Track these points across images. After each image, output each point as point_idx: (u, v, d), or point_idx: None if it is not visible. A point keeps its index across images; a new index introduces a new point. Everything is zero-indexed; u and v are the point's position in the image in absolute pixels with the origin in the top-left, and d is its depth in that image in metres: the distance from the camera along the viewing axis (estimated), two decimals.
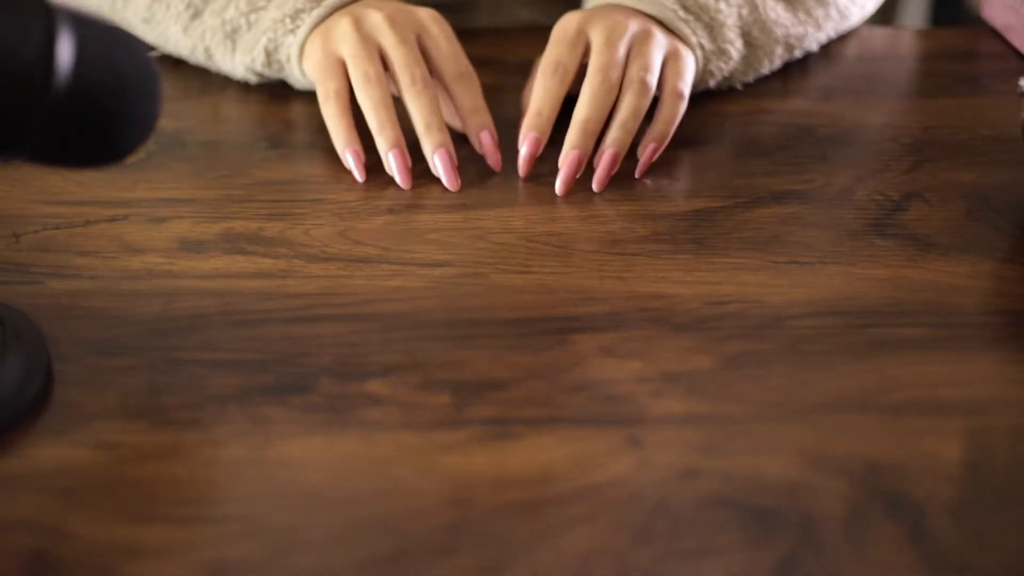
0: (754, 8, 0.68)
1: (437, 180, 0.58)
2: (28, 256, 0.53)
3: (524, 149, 0.57)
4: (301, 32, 0.62)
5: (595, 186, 0.57)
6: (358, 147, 0.57)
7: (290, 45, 0.62)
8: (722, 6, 0.65)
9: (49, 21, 0.37)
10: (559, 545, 0.37)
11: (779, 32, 0.69)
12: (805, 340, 0.47)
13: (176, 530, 0.38)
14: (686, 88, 0.60)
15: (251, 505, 0.39)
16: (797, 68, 0.74)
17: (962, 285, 0.51)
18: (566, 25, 0.61)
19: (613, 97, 0.58)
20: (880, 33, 0.84)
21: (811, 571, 0.37)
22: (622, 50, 0.59)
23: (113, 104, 0.39)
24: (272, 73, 0.66)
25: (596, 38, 0.59)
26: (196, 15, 0.66)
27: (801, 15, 0.71)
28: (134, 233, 0.55)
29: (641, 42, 0.60)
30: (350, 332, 0.48)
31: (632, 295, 0.50)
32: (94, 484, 0.40)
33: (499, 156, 0.58)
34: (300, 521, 0.38)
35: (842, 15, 0.74)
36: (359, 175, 0.57)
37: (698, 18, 0.64)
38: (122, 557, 0.37)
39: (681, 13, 0.64)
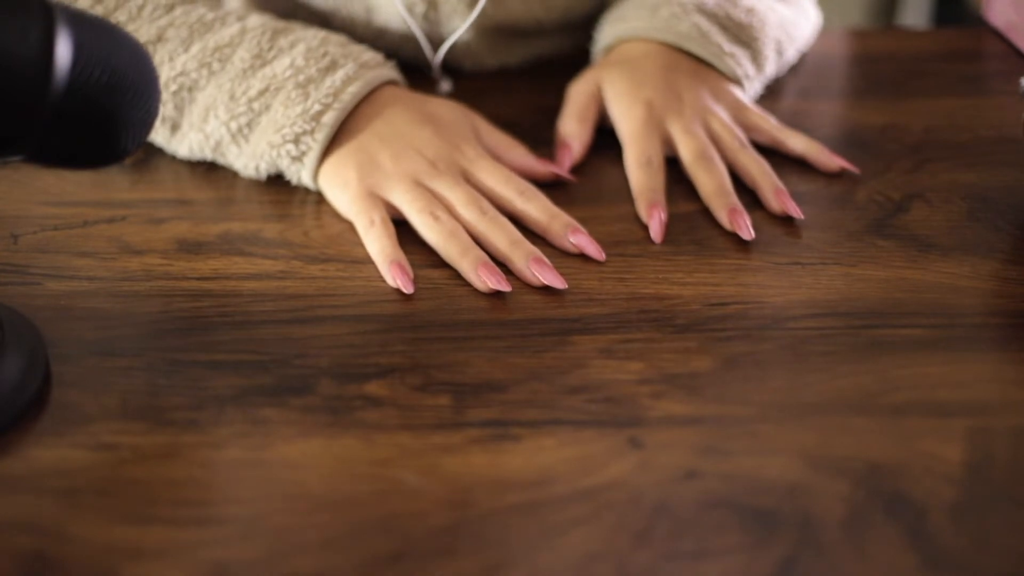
0: (774, 10, 0.68)
1: None
2: (26, 257, 0.53)
3: (654, 220, 0.55)
4: (310, 161, 0.57)
5: (796, 214, 0.56)
6: (405, 262, 0.52)
7: (298, 172, 0.57)
8: (755, 21, 0.66)
9: (48, 21, 0.37)
10: (559, 546, 0.37)
11: (795, 32, 0.70)
12: (806, 341, 0.47)
13: (175, 531, 0.38)
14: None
15: (250, 506, 0.39)
16: (798, 69, 0.74)
17: (963, 286, 0.51)
18: (634, 114, 0.61)
19: (724, 164, 0.59)
20: (881, 33, 0.84)
21: (811, 572, 0.36)
22: (702, 130, 0.61)
23: (112, 104, 0.39)
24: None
25: (673, 128, 0.60)
26: (175, 128, 0.60)
27: (795, 9, 0.72)
28: (133, 234, 0.55)
29: (710, 113, 0.62)
30: (349, 333, 0.48)
31: (632, 296, 0.50)
32: (93, 485, 0.40)
33: (598, 247, 0.53)
34: (299, 522, 0.38)
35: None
36: (408, 287, 0.50)
37: (740, 42, 0.65)
38: (121, 558, 0.37)
39: (726, 47, 0.64)
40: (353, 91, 0.57)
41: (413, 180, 0.55)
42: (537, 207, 0.55)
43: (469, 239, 0.53)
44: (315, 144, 0.56)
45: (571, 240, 0.53)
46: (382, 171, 0.56)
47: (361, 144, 0.57)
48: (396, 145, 0.57)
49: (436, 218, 0.53)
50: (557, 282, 0.50)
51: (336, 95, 0.57)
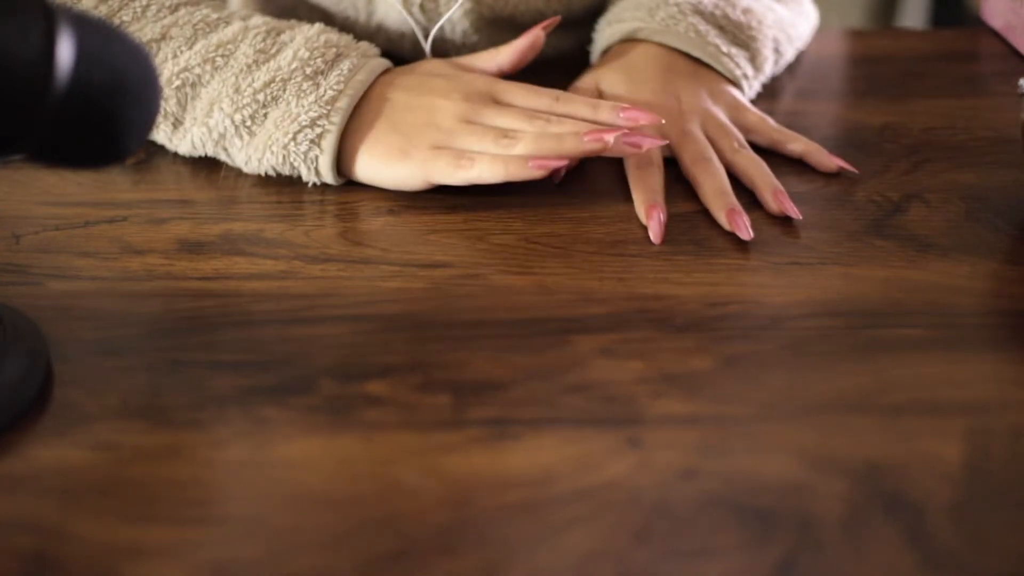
0: (772, 9, 0.69)
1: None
2: (28, 257, 0.53)
3: (654, 221, 0.55)
4: (328, 145, 0.57)
5: (795, 214, 0.56)
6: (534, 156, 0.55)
7: (315, 160, 0.57)
8: (753, 21, 0.66)
9: (49, 22, 0.37)
10: (559, 545, 0.37)
11: (793, 32, 0.71)
12: (804, 341, 0.47)
13: (176, 531, 0.38)
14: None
15: (251, 506, 0.39)
16: (796, 69, 0.74)
17: (961, 286, 0.51)
18: None
19: (722, 165, 0.59)
20: (879, 34, 0.84)
21: (810, 571, 0.37)
22: (700, 132, 0.61)
23: (113, 105, 0.39)
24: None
25: (672, 129, 0.61)
26: (177, 124, 0.59)
27: (793, 8, 0.72)
28: (134, 234, 0.55)
29: (708, 114, 0.62)
30: (350, 333, 0.48)
31: (632, 296, 0.50)
32: (94, 485, 0.40)
33: (649, 116, 0.56)
34: (300, 522, 0.38)
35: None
36: (554, 164, 0.55)
37: (738, 42, 0.65)
38: (122, 558, 0.37)
39: (724, 48, 0.65)
40: (361, 79, 0.58)
41: (466, 122, 0.57)
42: (577, 105, 0.58)
43: (554, 126, 0.56)
44: (332, 127, 0.57)
45: (621, 116, 0.56)
46: (434, 127, 0.57)
47: (391, 120, 0.58)
48: (425, 105, 0.58)
49: (513, 137, 0.56)
50: (648, 137, 0.56)
51: (347, 82, 0.58)
